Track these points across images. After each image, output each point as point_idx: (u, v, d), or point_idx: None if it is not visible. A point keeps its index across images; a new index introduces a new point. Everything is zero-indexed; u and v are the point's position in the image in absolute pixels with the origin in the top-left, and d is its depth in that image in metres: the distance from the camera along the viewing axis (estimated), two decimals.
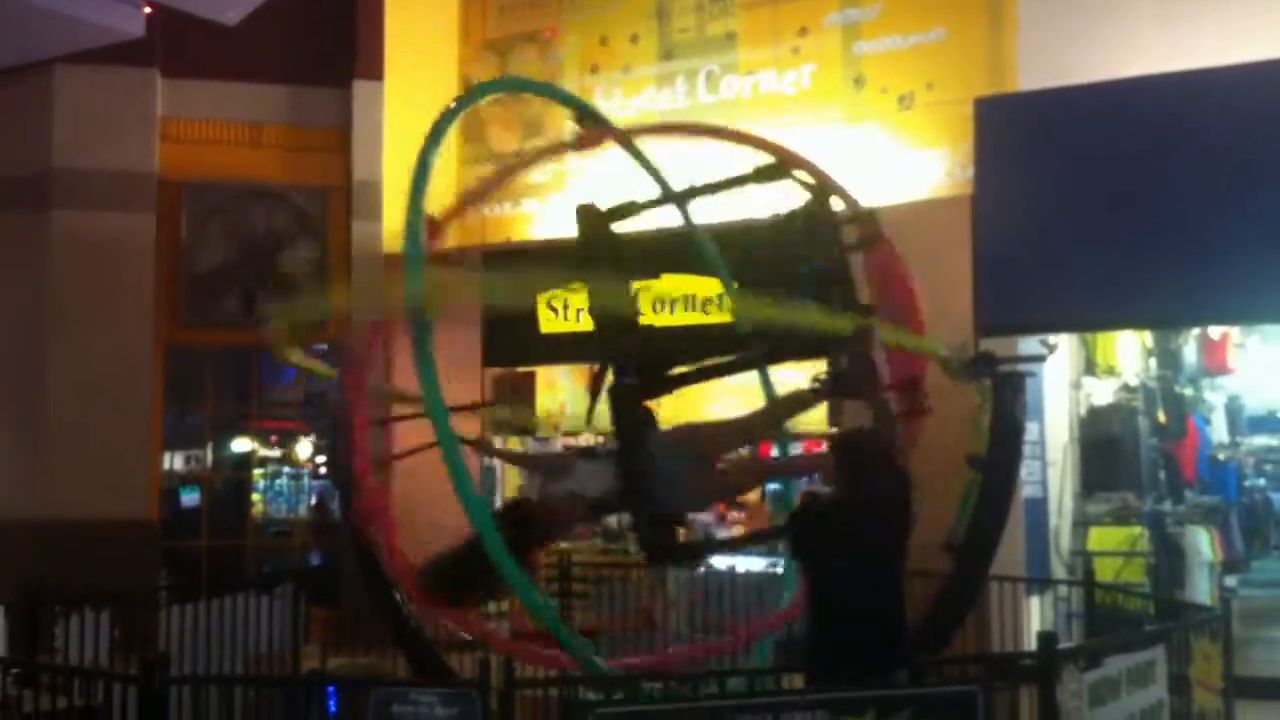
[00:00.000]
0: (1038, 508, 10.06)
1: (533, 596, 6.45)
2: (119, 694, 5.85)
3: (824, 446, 9.73)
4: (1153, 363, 11.14)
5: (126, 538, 11.23)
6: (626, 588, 9.92)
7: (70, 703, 6.45)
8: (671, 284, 10.76)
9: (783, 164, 7.52)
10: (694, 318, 10.85)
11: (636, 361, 7.22)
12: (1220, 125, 8.84)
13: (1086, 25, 9.87)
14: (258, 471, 13.60)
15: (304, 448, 14.47)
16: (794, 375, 8.66)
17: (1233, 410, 11.93)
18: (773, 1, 11.41)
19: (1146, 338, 11.05)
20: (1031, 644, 6.67)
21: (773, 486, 10.57)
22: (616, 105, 11.77)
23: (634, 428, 7.06)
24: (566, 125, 8.27)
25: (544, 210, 12.27)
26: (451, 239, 12.05)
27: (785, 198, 7.54)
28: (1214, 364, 11.21)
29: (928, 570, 6.88)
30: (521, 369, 12.24)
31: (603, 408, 7.27)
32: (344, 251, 12.21)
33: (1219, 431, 11.67)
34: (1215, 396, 11.75)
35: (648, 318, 10.44)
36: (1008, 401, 6.61)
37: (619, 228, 7.68)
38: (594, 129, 8.40)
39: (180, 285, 12.15)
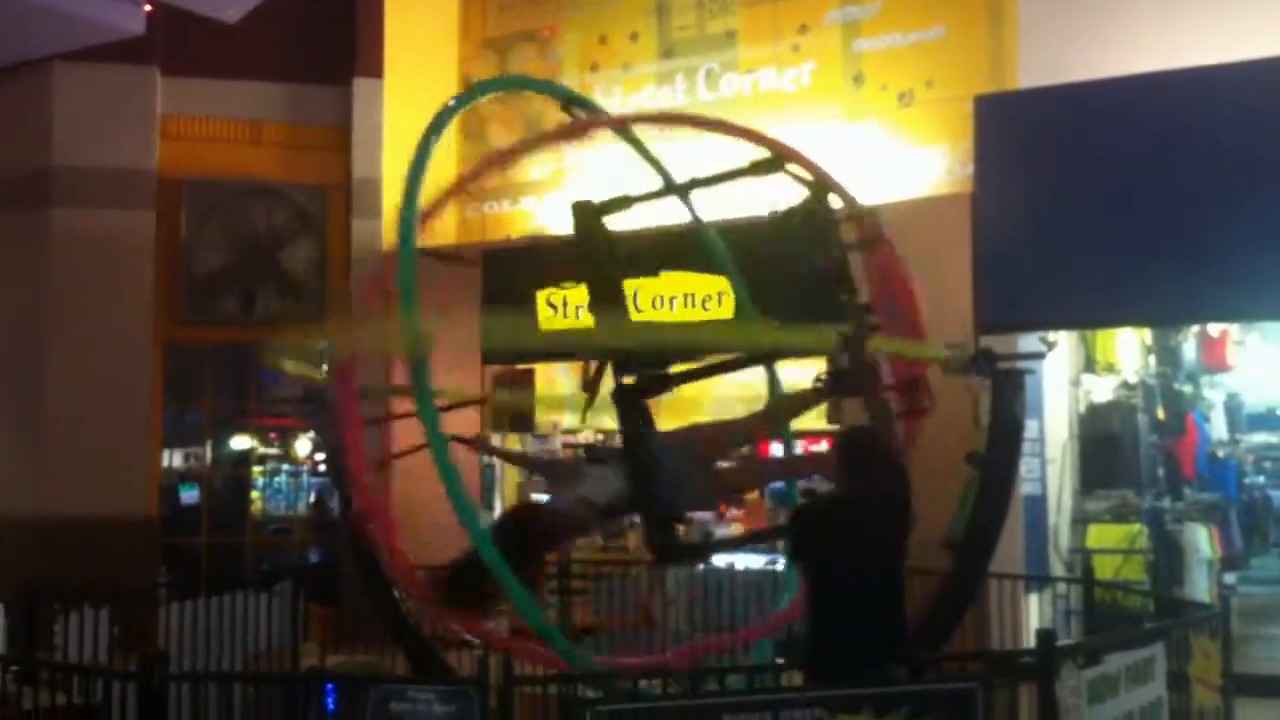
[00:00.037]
0: (1037, 505, 10.07)
1: (527, 602, 6.38)
2: (118, 691, 5.83)
3: (823, 445, 9.72)
4: (1152, 360, 11.16)
5: (126, 535, 11.20)
6: (626, 584, 9.92)
7: (69, 700, 6.43)
8: (671, 281, 10.75)
9: (779, 158, 7.49)
10: (694, 315, 10.84)
11: (635, 360, 7.21)
12: (1221, 124, 8.83)
13: (1087, 23, 9.86)
14: (257, 469, 13.57)
15: (303, 445, 14.46)
16: (795, 374, 8.69)
17: (1232, 407, 11.95)
18: None
19: (1146, 335, 11.06)
20: (1030, 641, 6.69)
21: (774, 485, 10.56)
22: (616, 103, 11.74)
23: (637, 427, 7.05)
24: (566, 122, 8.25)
25: (542, 208, 12.27)
26: (451, 237, 12.09)
27: (784, 195, 7.53)
28: (1213, 361, 11.22)
29: (927, 568, 6.89)
30: (521, 366, 12.22)
31: (602, 407, 7.26)
32: (344, 250, 12.19)
33: (1218, 429, 11.69)
34: (1215, 394, 11.77)
35: (647, 315, 10.43)
36: (1007, 399, 6.61)
37: (615, 223, 7.66)
38: (583, 119, 8.34)
39: (180, 283, 12.11)
